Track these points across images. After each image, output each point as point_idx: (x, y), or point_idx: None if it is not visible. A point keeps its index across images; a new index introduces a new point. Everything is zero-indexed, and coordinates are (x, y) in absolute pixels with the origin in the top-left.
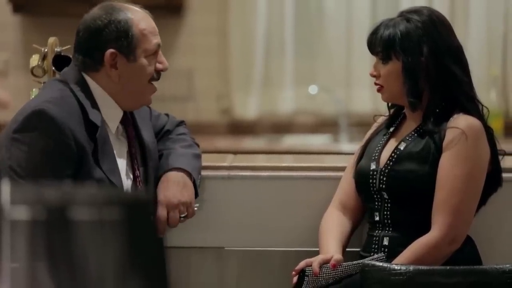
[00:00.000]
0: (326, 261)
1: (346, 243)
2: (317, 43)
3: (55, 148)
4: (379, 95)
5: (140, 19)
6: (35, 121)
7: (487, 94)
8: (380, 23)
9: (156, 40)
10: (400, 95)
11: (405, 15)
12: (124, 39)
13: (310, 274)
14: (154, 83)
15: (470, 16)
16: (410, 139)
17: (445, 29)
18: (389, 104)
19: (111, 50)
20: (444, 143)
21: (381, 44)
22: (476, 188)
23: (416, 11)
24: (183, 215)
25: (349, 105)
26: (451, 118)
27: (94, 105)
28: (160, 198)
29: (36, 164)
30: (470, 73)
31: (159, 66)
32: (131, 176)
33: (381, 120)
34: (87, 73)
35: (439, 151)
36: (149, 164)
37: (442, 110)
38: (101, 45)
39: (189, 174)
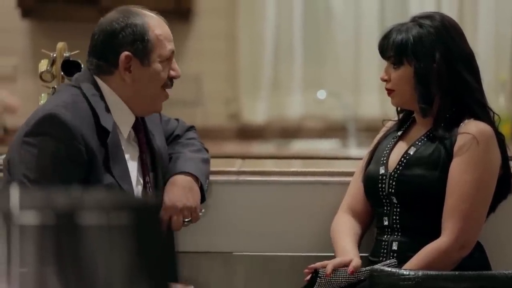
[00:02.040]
0: (343, 265)
1: (359, 246)
2: (325, 48)
3: (65, 152)
4: (388, 99)
5: (156, 24)
6: (47, 125)
7: (495, 99)
8: (391, 28)
9: (170, 46)
10: (411, 100)
11: (417, 20)
12: (140, 43)
13: (323, 276)
14: (167, 90)
15: (479, 21)
16: (420, 144)
17: (457, 35)
18: (398, 109)
19: (126, 52)
20: (455, 148)
21: (393, 48)
22: (486, 194)
23: (428, 16)
24: (187, 220)
25: (357, 110)
26: (461, 124)
27: (107, 110)
28: (165, 201)
29: (46, 168)
30: (481, 80)
31: (172, 73)
32: (142, 182)
33: (389, 124)
34: (100, 77)
35: (449, 156)
36: (159, 169)
37: (453, 116)
38: (116, 48)
39: (196, 179)
